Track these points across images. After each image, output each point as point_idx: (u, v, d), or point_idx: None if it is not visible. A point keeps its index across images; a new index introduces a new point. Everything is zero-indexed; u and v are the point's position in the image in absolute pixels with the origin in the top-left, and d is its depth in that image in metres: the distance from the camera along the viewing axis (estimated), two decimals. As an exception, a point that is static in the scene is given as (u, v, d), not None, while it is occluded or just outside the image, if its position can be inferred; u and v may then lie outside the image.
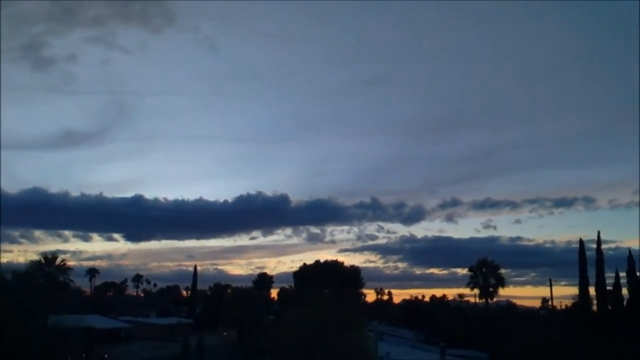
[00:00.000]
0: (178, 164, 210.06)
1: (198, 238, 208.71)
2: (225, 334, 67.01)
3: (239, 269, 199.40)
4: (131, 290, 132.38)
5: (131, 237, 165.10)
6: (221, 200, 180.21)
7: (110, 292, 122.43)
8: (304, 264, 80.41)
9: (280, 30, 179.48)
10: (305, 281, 71.44)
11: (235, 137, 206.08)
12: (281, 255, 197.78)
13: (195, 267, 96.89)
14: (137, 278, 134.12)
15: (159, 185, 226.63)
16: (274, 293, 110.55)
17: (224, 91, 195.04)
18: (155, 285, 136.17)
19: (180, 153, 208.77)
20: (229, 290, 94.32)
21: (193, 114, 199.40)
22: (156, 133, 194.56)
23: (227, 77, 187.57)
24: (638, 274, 64.90)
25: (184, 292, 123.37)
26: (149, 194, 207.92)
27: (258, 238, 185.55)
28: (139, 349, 54.18)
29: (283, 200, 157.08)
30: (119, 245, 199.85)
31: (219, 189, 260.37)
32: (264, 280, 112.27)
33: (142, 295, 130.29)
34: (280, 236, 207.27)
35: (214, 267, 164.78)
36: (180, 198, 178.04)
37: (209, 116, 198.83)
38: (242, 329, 60.42)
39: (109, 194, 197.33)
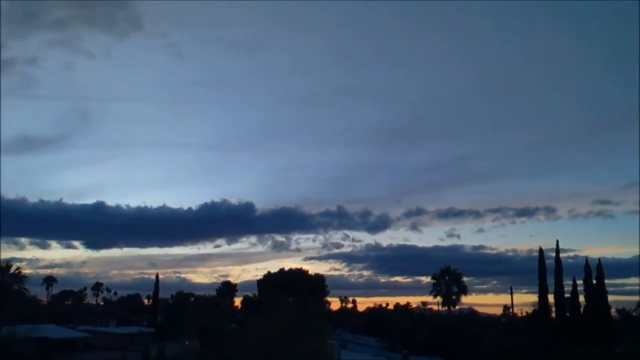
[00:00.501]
0: (141, 171, 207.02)
1: (161, 246, 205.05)
2: (187, 343, 65.82)
3: (202, 277, 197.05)
4: (90, 299, 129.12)
5: (91, 244, 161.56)
6: (185, 207, 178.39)
7: (68, 301, 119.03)
8: (269, 272, 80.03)
9: (247, 38, 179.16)
10: (270, 289, 71.00)
11: (201, 144, 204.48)
12: (246, 264, 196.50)
13: (157, 275, 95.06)
14: (97, 286, 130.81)
15: (122, 192, 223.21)
16: (237, 301, 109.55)
17: (189, 98, 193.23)
18: (115, 293, 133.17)
19: (144, 160, 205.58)
20: (192, 299, 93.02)
21: (158, 121, 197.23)
22: (120, 139, 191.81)
23: (192, 84, 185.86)
24: (594, 281, 66.78)
25: (146, 301, 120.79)
26: (111, 201, 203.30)
27: (222, 246, 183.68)
28: (97, 359, 52.78)
29: (248, 208, 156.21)
30: (79, 252, 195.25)
31: (183, 197, 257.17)
32: (227, 289, 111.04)
33: (101, 304, 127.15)
34: (245, 244, 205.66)
35: (177, 275, 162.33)
36: (143, 205, 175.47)
37: (174, 123, 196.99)
38: (204, 338, 59.52)
39: (69, 200, 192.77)
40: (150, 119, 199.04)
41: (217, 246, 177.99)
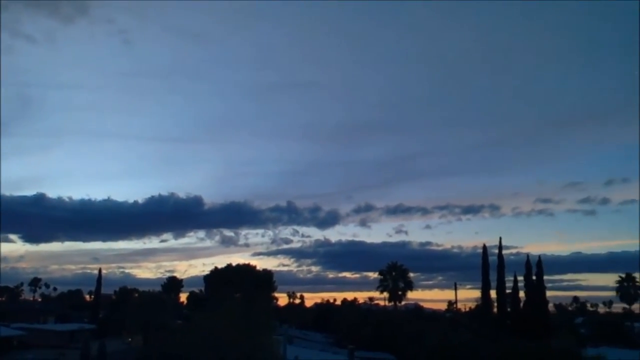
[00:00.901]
0: (86, 162, 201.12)
1: (105, 240, 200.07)
2: (130, 339, 64.14)
3: (147, 272, 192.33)
4: (27, 295, 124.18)
5: (30, 238, 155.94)
6: (131, 200, 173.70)
7: (3, 297, 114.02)
8: (216, 268, 78.85)
9: (198, 28, 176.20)
10: (217, 285, 70.01)
11: (149, 136, 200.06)
12: (193, 259, 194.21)
13: (100, 271, 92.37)
14: (35, 282, 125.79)
15: (64, 184, 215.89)
16: (183, 297, 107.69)
17: (137, 88, 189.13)
18: (55, 289, 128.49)
19: (88, 151, 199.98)
20: (136, 295, 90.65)
21: (104, 110, 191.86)
22: (63, 129, 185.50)
23: (141, 74, 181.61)
24: (534, 278, 69.18)
25: (87, 297, 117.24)
26: (52, 193, 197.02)
27: (169, 241, 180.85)
28: (33, 358, 50.62)
29: (196, 202, 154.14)
30: (16, 246, 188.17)
31: (129, 189, 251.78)
32: (173, 284, 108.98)
33: (39, 300, 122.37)
34: (192, 239, 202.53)
35: (121, 270, 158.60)
36: (86, 198, 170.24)
37: (120, 113, 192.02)
38: (148, 335, 58.08)
39: (6, 191, 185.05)
40: (96, 108, 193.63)
41: (163, 241, 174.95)
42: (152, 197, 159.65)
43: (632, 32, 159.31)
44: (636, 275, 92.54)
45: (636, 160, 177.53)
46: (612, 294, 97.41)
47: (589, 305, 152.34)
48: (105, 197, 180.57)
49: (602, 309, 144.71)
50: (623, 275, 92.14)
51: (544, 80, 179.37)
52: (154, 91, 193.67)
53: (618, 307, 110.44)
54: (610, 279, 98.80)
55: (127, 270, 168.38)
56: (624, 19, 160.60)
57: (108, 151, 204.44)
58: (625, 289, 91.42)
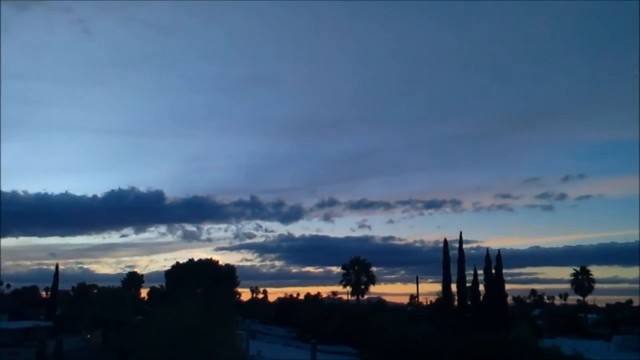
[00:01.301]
0: (42, 155, 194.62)
1: (62, 235, 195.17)
2: (88, 336, 62.80)
3: (107, 268, 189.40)
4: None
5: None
6: (90, 194, 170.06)
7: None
8: (177, 263, 77.90)
9: (160, 19, 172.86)
10: (178, 280, 69.20)
11: (109, 128, 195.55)
12: (154, 254, 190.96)
13: (57, 266, 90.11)
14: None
15: (19, 177, 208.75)
16: (144, 293, 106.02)
17: (96, 79, 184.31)
18: (8, 286, 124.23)
19: (45, 143, 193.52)
20: (95, 291, 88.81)
21: (61, 102, 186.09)
22: (18, 120, 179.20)
23: (100, 65, 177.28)
24: (493, 271, 70.74)
25: (44, 293, 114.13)
26: (6, 186, 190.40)
27: (129, 235, 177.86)
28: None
29: (158, 196, 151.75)
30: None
31: (88, 183, 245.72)
32: (133, 280, 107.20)
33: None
34: (153, 234, 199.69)
35: (79, 266, 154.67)
36: (43, 191, 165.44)
37: (79, 105, 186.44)
38: (107, 331, 56.98)
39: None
40: (53, 99, 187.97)
41: (123, 235, 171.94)
42: (112, 191, 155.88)
43: (595, 30, 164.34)
44: (590, 268, 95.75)
45: (590, 158, 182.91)
46: (568, 286, 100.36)
47: (545, 297, 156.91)
48: (63, 191, 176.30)
49: (558, 301, 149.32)
50: (578, 269, 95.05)
51: (505, 77, 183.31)
52: (114, 83, 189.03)
53: (573, 299, 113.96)
54: (566, 272, 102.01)
55: (85, 266, 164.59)
56: (590, 18, 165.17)
57: (66, 144, 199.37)
58: (580, 282, 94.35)
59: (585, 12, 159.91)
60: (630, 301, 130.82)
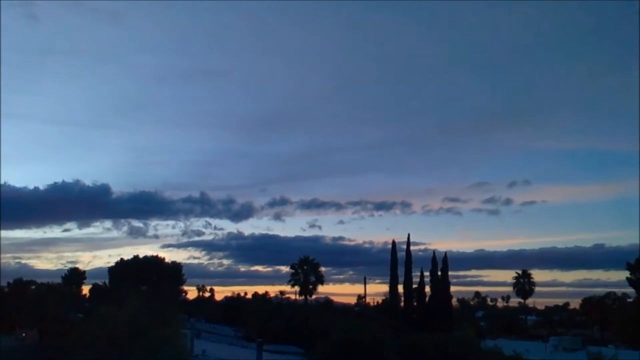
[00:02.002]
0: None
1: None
2: (24, 334, 60.33)
3: (47, 263, 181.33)
4: None
5: None
6: (31, 187, 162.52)
7: None
8: (121, 259, 76.01)
9: (110, 6, 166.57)
10: (121, 277, 67.46)
11: (53, 118, 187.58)
12: (98, 250, 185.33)
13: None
14: None
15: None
16: (86, 290, 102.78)
17: (40, 66, 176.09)
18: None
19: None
20: (33, 287, 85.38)
21: (2, 89, 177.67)
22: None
23: (45, 52, 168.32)
24: (439, 273, 72.18)
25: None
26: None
27: (73, 230, 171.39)
28: None
29: (104, 190, 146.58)
30: None
31: (30, 175, 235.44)
32: (74, 276, 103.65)
33: None
34: (98, 229, 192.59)
35: (17, 261, 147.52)
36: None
37: (22, 92, 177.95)
38: (44, 329, 54.87)
39: None
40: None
41: (66, 230, 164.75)
42: (55, 183, 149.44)
43: (543, 36, 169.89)
44: (532, 272, 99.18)
45: (536, 165, 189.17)
46: (510, 289, 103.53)
47: (489, 299, 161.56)
48: (2, 182, 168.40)
49: (500, 303, 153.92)
50: (520, 272, 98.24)
51: (455, 81, 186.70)
52: (58, 70, 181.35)
53: (514, 301, 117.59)
54: (508, 275, 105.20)
55: (24, 261, 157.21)
56: (535, 23, 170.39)
57: (6, 133, 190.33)
58: (521, 285, 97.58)
59: (533, 17, 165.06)
60: (567, 304, 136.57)
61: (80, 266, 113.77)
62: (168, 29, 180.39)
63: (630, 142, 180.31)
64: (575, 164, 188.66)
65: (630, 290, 73.34)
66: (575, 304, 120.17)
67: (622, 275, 66.08)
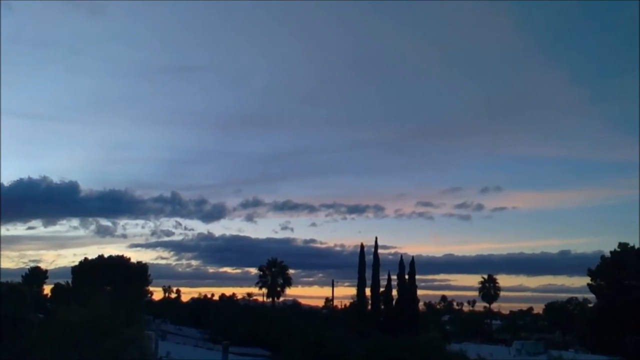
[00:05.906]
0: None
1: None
2: (-19, 335, 58.45)
3: (8, 261, 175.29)
4: None
5: None
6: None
7: None
8: (85, 259, 74.50)
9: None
10: (85, 277, 66.06)
11: (20, 112, 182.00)
12: (62, 248, 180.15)
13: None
14: None
15: None
16: (47, 289, 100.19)
17: (8, 58, 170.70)
18: None
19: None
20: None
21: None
22: None
23: (16, 42, 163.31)
24: (406, 277, 72.75)
25: None
26: None
27: (37, 228, 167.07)
28: None
29: (72, 188, 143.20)
30: None
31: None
32: (36, 275, 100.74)
33: None
34: (64, 227, 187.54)
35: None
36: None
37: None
38: (2, 330, 53.23)
39: None
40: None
41: (30, 228, 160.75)
42: (21, 179, 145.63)
43: (518, 41, 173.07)
44: (498, 276, 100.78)
45: (508, 171, 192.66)
46: (476, 293, 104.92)
47: (455, 304, 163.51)
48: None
49: (466, 308, 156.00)
50: (485, 277, 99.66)
51: (431, 87, 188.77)
52: (26, 62, 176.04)
53: (480, 306, 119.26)
54: (475, 280, 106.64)
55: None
56: (511, 29, 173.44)
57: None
58: (487, 290, 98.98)
59: (507, 28, 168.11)
60: (531, 308, 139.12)
61: (43, 265, 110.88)
62: (146, 23, 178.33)
63: (600, 150, 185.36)
64: (546, 171, 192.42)
65: (591, 296, 75.11)
66: (539, 309, 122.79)
67: (585, 281, 67.56)
